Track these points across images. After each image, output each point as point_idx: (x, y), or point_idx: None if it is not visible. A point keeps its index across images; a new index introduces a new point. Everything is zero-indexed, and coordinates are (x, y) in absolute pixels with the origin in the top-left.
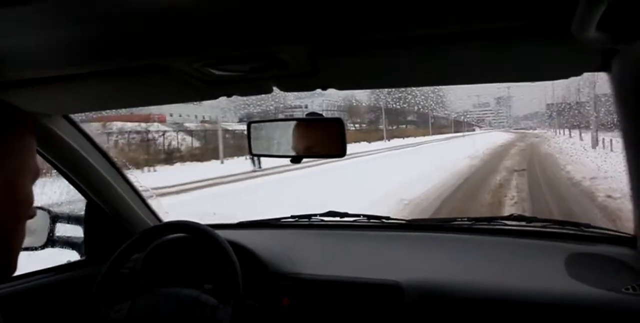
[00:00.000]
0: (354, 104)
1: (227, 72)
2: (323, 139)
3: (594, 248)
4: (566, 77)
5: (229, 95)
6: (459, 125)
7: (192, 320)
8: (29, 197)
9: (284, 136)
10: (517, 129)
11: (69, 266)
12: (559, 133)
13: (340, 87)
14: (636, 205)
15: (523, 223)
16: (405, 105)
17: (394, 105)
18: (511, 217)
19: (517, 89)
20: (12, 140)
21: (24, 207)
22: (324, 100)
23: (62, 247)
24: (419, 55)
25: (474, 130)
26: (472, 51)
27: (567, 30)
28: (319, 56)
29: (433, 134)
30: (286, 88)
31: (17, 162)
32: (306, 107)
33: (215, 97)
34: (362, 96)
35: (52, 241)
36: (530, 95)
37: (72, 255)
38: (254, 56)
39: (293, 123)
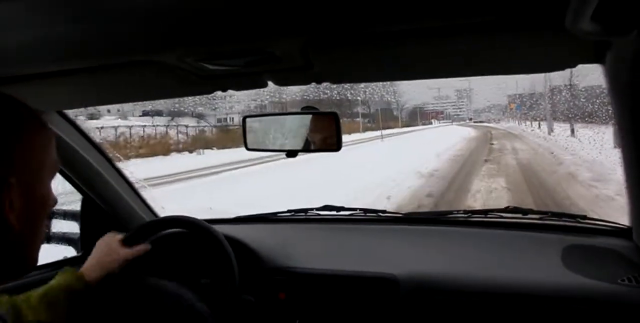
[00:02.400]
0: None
1: (221, 66)
2: (319, 133)
3: (590, 240)
4: (562, 68)
5: (223, 90)
6: (414, 119)
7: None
8: (49, 192)
9: (279, 130)
10: (477, 122)
11: (65, 262)
12: (522, 124)
13: (335, 81)
14: (631, 197)
15: (519, 215)
16: (347, 96)
17: (338, 95)
18: (507, 209)
19: (478, 81)
20: (31, 138)
21: (44, 203)
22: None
23: (58, 243)
24: (413, 49)
25: (431, 123)
26: (466, 44)
27: (561, 23)
28: (313, 50)
29: (365, 130)
30: (280, 82)
31: (36, 159)
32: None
33: (210, 92)
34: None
35: (48, 237)
36: (492, 88)
37: (69, 251)
38: (248, 51)
39: (288, 117)
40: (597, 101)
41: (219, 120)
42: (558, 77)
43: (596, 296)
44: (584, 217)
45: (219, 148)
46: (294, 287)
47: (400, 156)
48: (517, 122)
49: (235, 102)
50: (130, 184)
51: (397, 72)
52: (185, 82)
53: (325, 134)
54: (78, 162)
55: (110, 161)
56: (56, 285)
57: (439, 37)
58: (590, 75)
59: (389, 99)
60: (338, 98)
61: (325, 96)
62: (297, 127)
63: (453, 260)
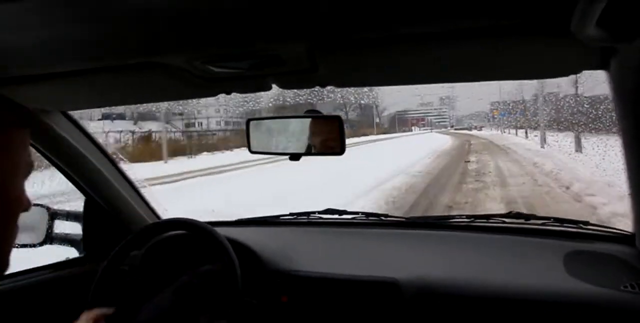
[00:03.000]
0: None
1: (226, 69)
2: (322, 136)
3: (592, 246)
4: (565, 74)
5: (227, 92)
6: (393, 125)
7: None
8: (21, 194)
9: (283, 134)
10: (458, 129)
11: (67, 263)
12: (505, 132)
13: (339, 85)
14: (635, 203)
15: (521, 220)
16: (317, 100)
17: (314, 99)
18: (510, 215)
19: (462, 88)
20: (3, 137)
21: (16, 205)
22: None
23: (61, 244)
24: (418, 53)
25: (410, 130)
26: (471, 49)
27: (566, 28)
28: (318, 54)
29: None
30: (285, 85)
31: (8, 158)
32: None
33: (214, 94)
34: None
35: (50, 238)
36: (475, 95)
37: (71, 252)
38: (253, 53)
39: (292, 120)
40: (601, 107)
41: (187, 125)
42: (549, 84)
43: (598, 302)
44: (587, 223)
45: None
46: (297, 290)
47: (327, 184)
48: (500, 130)
49: (202, 106)
50: (133, 186)
51: (402, 76)
52: (190, 85)
53: (328, 137)
54: (81, 163)
55: (113, 162)
56: None
57: (443, 42)
58: (589, 81)
59: (367, 103)
60: (312, 101)
61: (301, 100)
62: (300, 130)
63: (455, 265)
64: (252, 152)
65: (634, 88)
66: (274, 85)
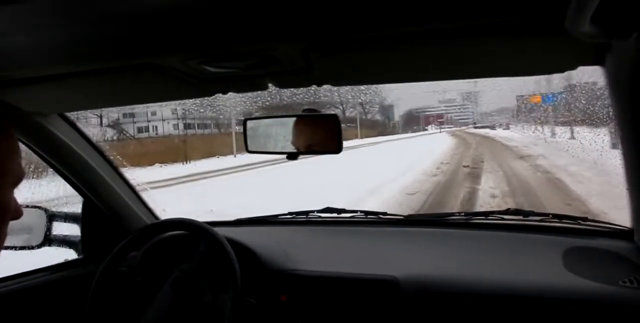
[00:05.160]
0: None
1: (222, 69)
2: (319, 135)
3: (591, 241)
4: (562, 71)
5: (224, 92)
6: (408, 124)
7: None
8: (10, 202)
9: (281, 133)
10: (478, 127)
11: (66, 265)
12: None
13: (336, 84)
14: (633, 198)
15: (520, 217)
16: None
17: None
18: (508, 211)
19: (486, 82)
20: None
21: (4, 214)
22: None
23: (59, 246)
24: (414, 51)
25: (426, 130)
26: (466, 46)
27: (561, 25)
28: (314, 53)
29: None
30: (281, 85)
31: None
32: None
33: (211, 94)
34: None
35: (49, 240)
36: (502, 89)
37: (70, 254)
38: (249, 53)
39: (289, 119)
40: None
41: (139, 130)
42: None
43: (598, 298)
44: (585, 219)
45: None
46: (296, 289)
47: None
48: (537, 128)
49: (157, 105)
50: (131, 187)
51: (399, 75)
52: (186, 85)
53: (326, 136)
54: (79, 165)
55: (111, 164)
56: None
57: (439, 40)
58: None
59: (363, 100)
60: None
61: (273, 103)
62: (298, 129)
63: (454, 262)
64: (250, 152)
65: (628, 83)
66: (269, 85)
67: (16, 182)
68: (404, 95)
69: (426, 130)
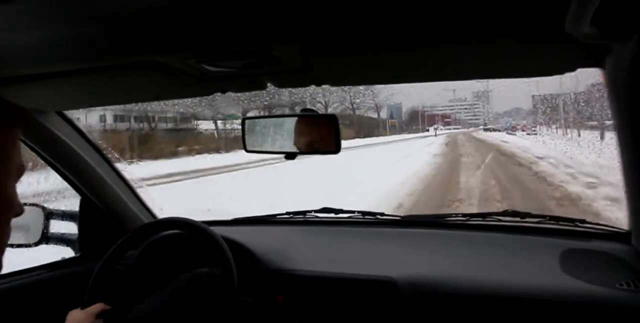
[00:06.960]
0: None
1: (221, 68)
2: (317, 135)
3: (588, 244)
4: (561, 73)
5: (223, 91)
6: (414, 123)
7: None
8: (14, 195)
9: (279, 132)
10: (487, 130)
11: (63, 263)
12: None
13: (335, 83)
14: (630, 200)
15: (517, 219)
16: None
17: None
18: (505, 213)
19: (497, 81)
20: None
21: (7, 209)
22: None
23: (57, 244)
24: (413, 52)
25: (427, 130)
26: (465, 48)
27: (561, 27)
28: (313, 53)
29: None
30: (280, 84)
31: None
32: None
33: (209, 94)
34: None
35: (46, 238)
36: (515, 89)
37: (67, 252)
38: (248, 53)
39: (287, 119)
40: None
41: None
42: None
43: (594, 300)
44: (583, 221)
45: None
46: (293, 289)
47: None
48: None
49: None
50: (128, 185)
51: (398, 75)
52: (185, 84)
53: (324, 136)
54: (76, 163)
55: (109, 162)
56: None
57: (438, 41)
58: None
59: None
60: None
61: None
62: (296, 129)
63: (451, 263)
64: (248, 152)
65: (628, 85)
66: (267, 84)
67: (18, 175)
68: (403, 90)
69: (427, 131)
